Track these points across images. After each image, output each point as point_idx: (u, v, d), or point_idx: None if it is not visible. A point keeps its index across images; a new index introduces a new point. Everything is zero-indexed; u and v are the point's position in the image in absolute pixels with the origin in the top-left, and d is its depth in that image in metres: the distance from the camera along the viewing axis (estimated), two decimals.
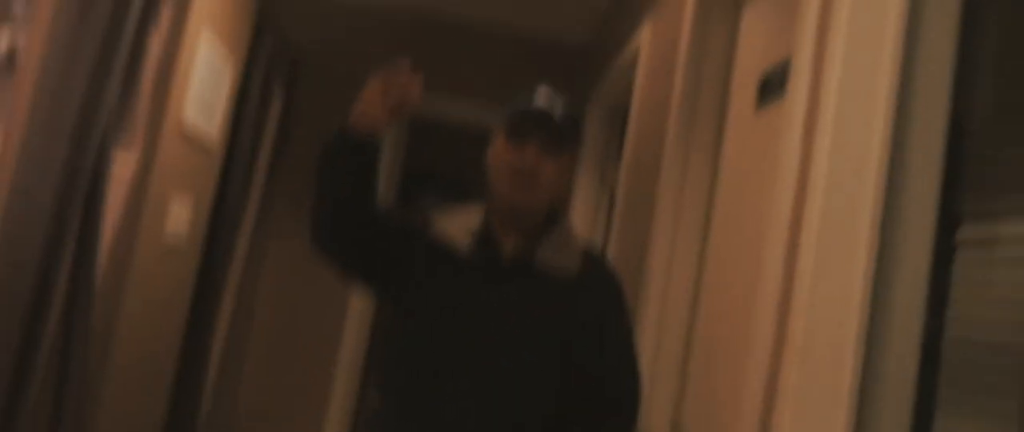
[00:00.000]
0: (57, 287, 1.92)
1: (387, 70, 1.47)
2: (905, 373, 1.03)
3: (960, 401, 0.97)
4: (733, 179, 1.78)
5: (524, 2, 4.09)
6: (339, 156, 1.49)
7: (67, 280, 1.97)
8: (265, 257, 3.87)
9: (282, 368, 4.01)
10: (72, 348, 2.00)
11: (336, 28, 4.23)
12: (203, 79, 2.63)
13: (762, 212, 1.39)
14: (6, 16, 1.99)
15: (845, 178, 1.09)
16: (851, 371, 1.02)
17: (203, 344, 3.13)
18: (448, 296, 1.52)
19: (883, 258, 1.06)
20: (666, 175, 1.91)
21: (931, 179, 1.09)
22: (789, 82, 1.31)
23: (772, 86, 1.73)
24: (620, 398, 1.54)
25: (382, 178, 4.00)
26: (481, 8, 4.30)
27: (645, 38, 2.61)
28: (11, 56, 2.03)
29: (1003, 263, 0.93)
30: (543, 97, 1.57)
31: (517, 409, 1.47)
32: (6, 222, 1.76)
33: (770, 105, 1.68)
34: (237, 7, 2.87)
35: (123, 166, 2.28)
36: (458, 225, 1.57)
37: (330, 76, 4.15)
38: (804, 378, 1.03)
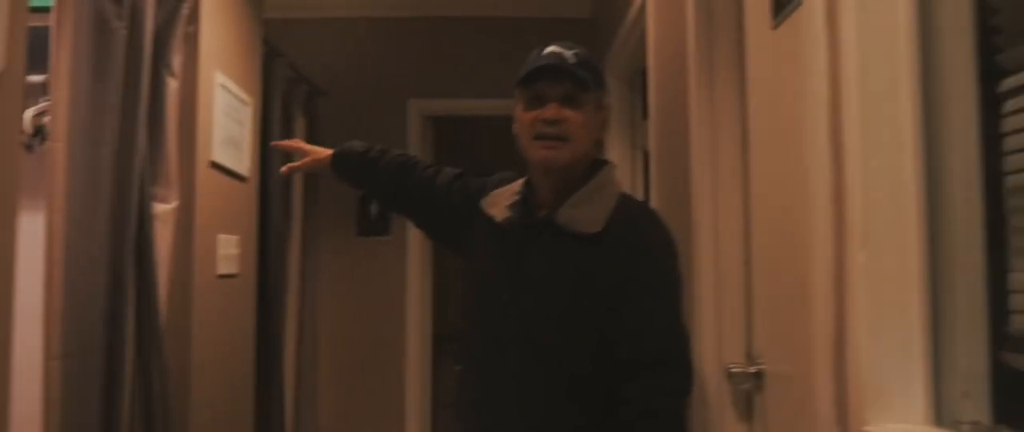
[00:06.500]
0: (126, 334, 1.98)
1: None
2: (971, 232, 1.00)
3: None
4: (763, 99, 1.75)
5: None
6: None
7: (134, 325, 2.02)
8: (318, 276, 3.95)
9: (354, 376, 4.12)
10: (152, 390, 2.05)
11: (344, 47, 4.27)
12: (225, 118, 2.68)
13: (798, 120, 1.36)
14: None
15: (877, 61, 1.07)
16: (917, 242, 0.99)
17: (276, 366, 3.19)
18: (488, 259, 1.60)
19: (930, 123, 1.03)
20: (695, 108, 1.89)
21: (965, 40, 1.06)
22: None
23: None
24: (640, 359, 1.41)
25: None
26: (481, 4, 4.31)
27: None
28: (42, 132, 2.09)
29: None
30: (550, 50, 1.53)
31: (542, 368, 1.47)
32: (68, 280, 1.82)
33: (786, 17, 1.65)
34: (244, 46, 2.91)
35: (166, 213, 2.33)
36: (503, 198, 1.63)
37: (347, 95, 4.20)
38: (871, 260, 1.01)
